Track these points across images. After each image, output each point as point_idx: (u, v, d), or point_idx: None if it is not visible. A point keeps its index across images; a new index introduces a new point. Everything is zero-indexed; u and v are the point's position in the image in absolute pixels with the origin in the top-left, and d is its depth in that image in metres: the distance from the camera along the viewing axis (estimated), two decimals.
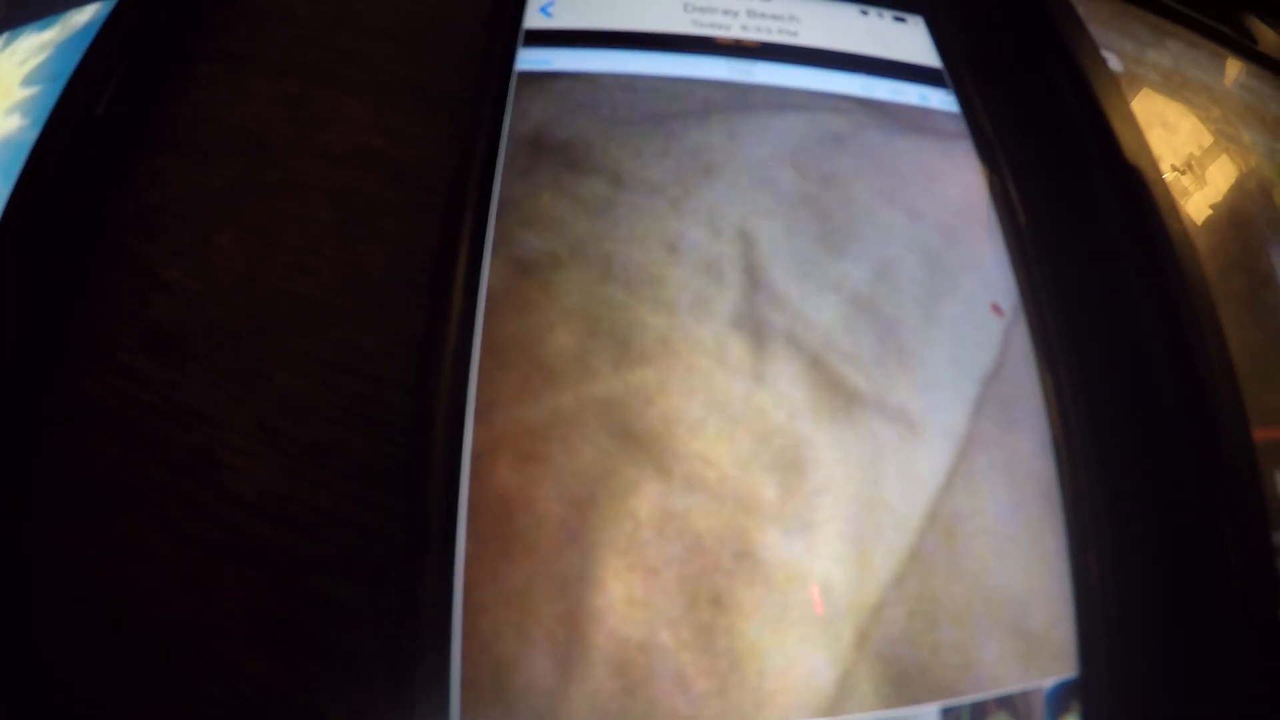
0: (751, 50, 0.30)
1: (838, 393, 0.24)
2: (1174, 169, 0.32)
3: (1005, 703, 0.23)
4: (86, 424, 0.28)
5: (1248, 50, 0.38)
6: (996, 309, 0.27)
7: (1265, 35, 0.39)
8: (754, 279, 0.26)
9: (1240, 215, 0.32)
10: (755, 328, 0.25)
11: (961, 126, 0.30)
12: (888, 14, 0.33)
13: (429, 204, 0.27)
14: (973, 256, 0.28)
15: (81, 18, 0.35)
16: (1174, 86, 0.34)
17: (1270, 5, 0.41)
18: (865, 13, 0.32)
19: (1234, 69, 0.37)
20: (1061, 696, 0.23)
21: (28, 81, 0.33)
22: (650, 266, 0.25)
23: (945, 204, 0.28)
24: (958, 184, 0.29)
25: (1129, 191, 0.28)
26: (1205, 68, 0.36)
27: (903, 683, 0.22)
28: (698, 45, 0.30)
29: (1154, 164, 0.28)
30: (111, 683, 0.25)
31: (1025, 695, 0.23)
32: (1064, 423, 0.26)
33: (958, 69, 0.31)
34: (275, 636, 0.24)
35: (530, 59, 0.28)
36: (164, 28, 0.33)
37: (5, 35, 0.35)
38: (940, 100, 0.30)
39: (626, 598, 0.22)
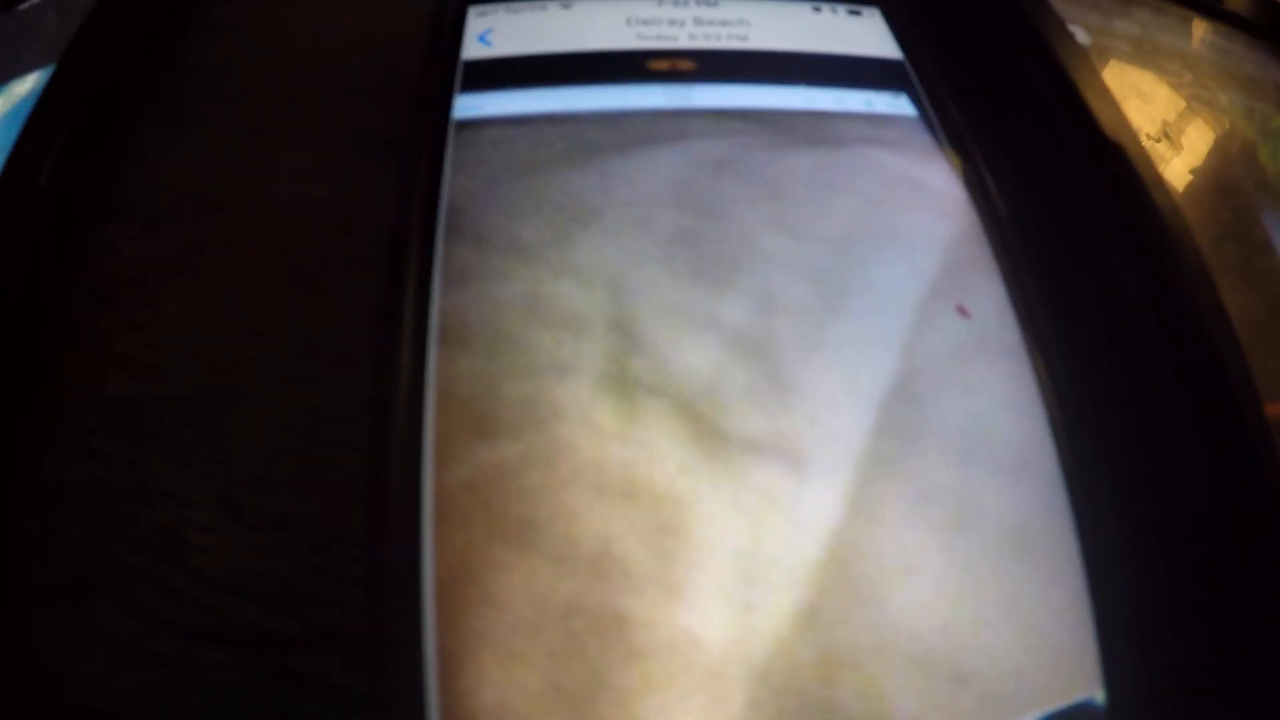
0: (688, 74, 0.28)
1: (715, 441, 0.22)
2: (1152, 139, 0.30)
3: None
4: (52, 508, 0.26)
5: (1215, 10, 0.36)
6: (962, 311, 0.25)
7: None
8: (623, 332, 0.23)
9: (1227, 181, 0.30)
10: (622, 385, 0.23)
11: (879, 130, 0.27)
12: (841, 8, 0.31)
13: (374, 254, 0.25)
14: (872, 270, 0.25)
15: (23, 87, 0.34)
16: (1145, 55, 0.32)
17: None
18: (818, 9, 0.31)
19: (1203, 31, 0.35)
20: None
21: None
22: (510, 330, 0.23)
23: (842, 219, 0.26)
24: (858, 196, 0.26)
25: (1111, 170, 0.26)
26: (1175, 33, 0.34)
27: None
28: (635, 72, 0.28)
29: (1135, 138, 0.26)
30: None
31: None
32: (1063, 416, 0.24)
33: (918, 57, 0.29)
34: (253, 719, 0.23)
35: (462, 106, 0.26)
36: (104, 92, 0.31)
37: None
38: (887, 104, 0.28)
39: (499, 687, 0.19)
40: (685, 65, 0.27)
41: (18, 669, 0.25)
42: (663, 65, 0.27)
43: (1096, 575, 0.22)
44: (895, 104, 0.28)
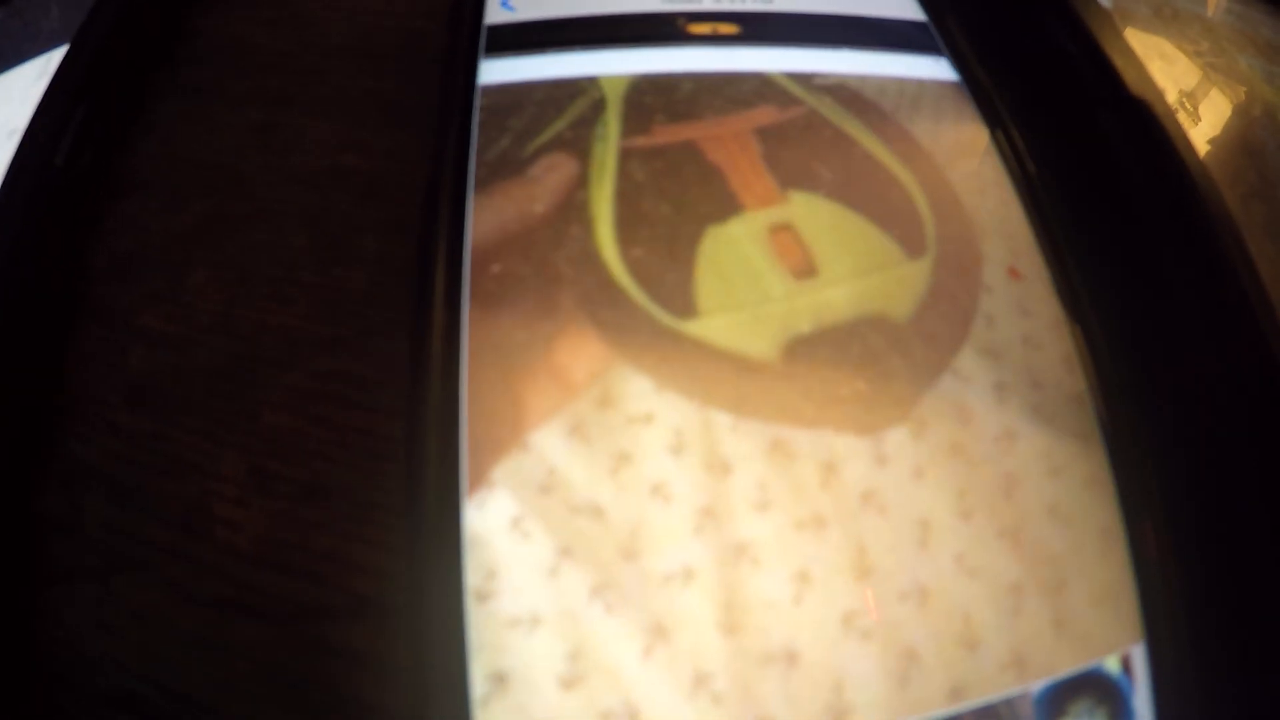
0: (729, 37, 0.27)
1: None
2: (1177, 103, 0.29)
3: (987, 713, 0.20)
4: (76, 487, 0.25)
5: None
6: (1014, 272, 0.24)
7: None
8: None
9: (1251, 143, 0.29)
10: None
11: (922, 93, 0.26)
12: None
13: (406, 218, 0.24)
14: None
15: (37, 67, 0.33)
16: (1165, 19, 0.32)
17: None
18: None
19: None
20: (1053, 699, 0.20)
21: None
22: None
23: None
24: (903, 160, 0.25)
25: (1139, 127, 0.25)
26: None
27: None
28: (673, 36, 0.27)
29: (1160, 96, 0.26)
30: None
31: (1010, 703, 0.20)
32: (1099, 378, 0.23)
33: (944, 20, 0.28)
34: (290, 692, 0.22)
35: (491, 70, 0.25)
36: (121, 68, 0.30)
37: None
38: (928, 68, 0.27)
39: None
40: (726, 29, 0.26)
41: (44, 651, 0.24)
42: (703, 29, 0.26)
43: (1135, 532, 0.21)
44: (936, 68, 0.27)
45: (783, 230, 0.23)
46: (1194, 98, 0.30)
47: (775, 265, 0.23)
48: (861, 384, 0.22)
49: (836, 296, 0.23)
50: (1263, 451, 0.23)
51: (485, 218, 0.23)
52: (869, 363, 0.22)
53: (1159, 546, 0.22)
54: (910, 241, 0.24)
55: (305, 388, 0.24)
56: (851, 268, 0.23)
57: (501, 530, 0.20)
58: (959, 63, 0.27)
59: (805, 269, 0.23)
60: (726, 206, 0.24)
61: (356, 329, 0.24)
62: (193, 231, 0.27)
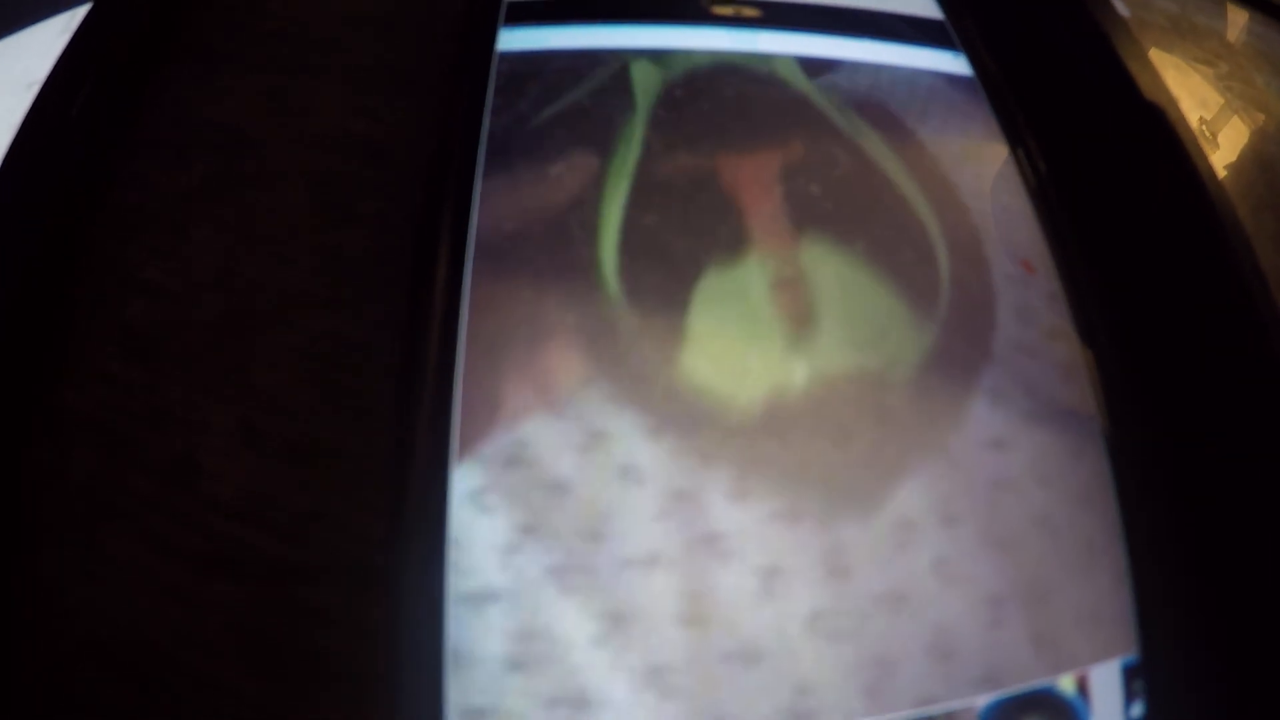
0: (752, 20, 0.27)
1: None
2: (1190, 115, 0.28)
3: None
4: (64, 434, 0.25)
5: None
6: (1027, 266, 0.23)
7: None
8: None
9: (1264, 157, 0.28)
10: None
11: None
12: None
13: (411, 184, 0.24)
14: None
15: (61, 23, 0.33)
16: (1182, 32, 0.31)
17: None
18: None
19: (1240, 16, 0.34)
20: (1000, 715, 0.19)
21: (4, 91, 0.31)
22: None
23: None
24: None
25: (1151, 131, 0.25)
26: (1211, 15, 0.33)
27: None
28: (696, 14, 0.26)
29: (1173, 101, 0.25)
30: (92, 705, 0.22)
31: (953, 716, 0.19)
32: (1105, 380, 0.22)
33: (961, 18, 0.28)
34: (262, 651, 0.21)
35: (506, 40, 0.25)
36: (137, 29, 0.30)
37: None
38: (949, 63, 0.26)
39: None
40: (750, 12, 0.26)
41: (25, 595, 0.23)
42: (726, 10, 0.26)
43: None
44: (957, 63, 0.27)
45: (790, 283, 0.23)
46: (1207, 110, 0.29)
47: (774, 317, 0.22)
48: (844, 450, 0.21)
49: (832, 357, 0.22)
50: (1270, 463, 0.22)
51: (494, 197, 0.22)
52: (857, 427, 0.21)
53: (1158, 562, 0.21)
54: (923, 303, 0.23)
55: (300, 347, 0.23)
56: (853, 334, 0.22)
57: (463, 501, 0.19)
58: (974, 58, 0.27)
59: (805, 324, 0.22)
60: (738, 246, 0.23)
61: (355, 291, 0.23)
62: (198, 190, 0.27)
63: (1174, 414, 0.22)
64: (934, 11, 0.28)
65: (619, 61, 0.24)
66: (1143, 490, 0.22)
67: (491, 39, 0.25)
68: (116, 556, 0.23)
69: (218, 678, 0.21)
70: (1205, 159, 0.25)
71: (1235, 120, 0.29)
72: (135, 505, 0.23)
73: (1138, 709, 0.19)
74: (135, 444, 0.24)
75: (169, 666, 0.22)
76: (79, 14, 0.32)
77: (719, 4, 0.26)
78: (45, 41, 0.30)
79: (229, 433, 0.23)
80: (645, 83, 0.24)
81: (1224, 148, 0.29)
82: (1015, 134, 0.26)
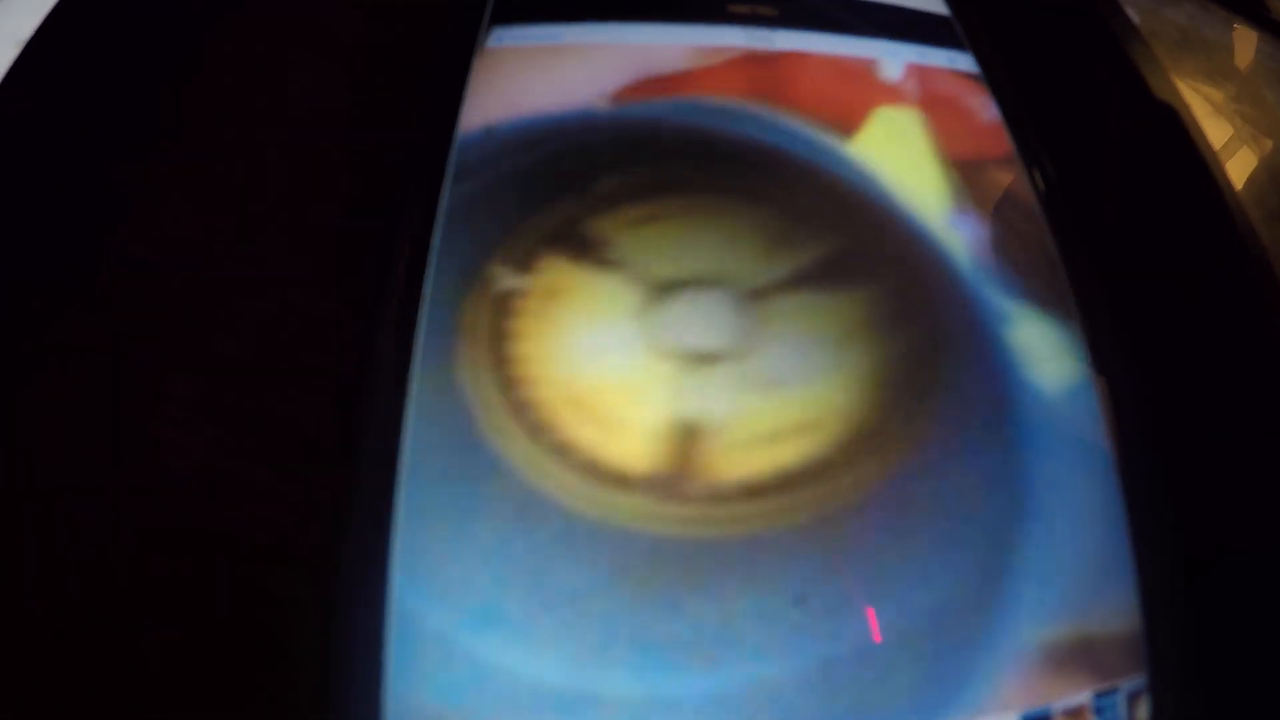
0: (769, 19, 0.26)
1: None
2: (1203, 126, 0.27)
3: None
4: (18, 399, 0.23)
5: (1260, 17, 0.34)
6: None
7: (1277, 3, 0.35)
8: None
9: (1275, 169, 0.27)
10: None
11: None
12: None
13: (389, 161, 0.22)
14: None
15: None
16: (1191, 45, 0.30)
17: None
18: None
19: (1248, 32, 0.33)
20: None
21: None
22: None
23: None
24: None
25: (1163, 136, 0.23)
26: (1220, 30, 0.32)
27: None
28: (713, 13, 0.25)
29: (1186, 107, 0.24)
30: (42, 679, 0.20)
31: None
32: (1115, 397, 0.21)
33: (970, 19, 0.26)
34: (210, 627, 0.19)
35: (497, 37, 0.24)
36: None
37: None
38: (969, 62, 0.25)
39: None
40: (766, 11, 0.25)
41: None
42: (742, 9, 0.25)
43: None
44: (962, 61, 0.25)
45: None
46: (1218, 121, 0.28)
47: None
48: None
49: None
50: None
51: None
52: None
53: (1168, 583, 0.20)
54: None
55: (267, 319, 0.22)
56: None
57: None
58: (981, 61, 0.25)
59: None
60: None
61: (327, 266, 0.22)
62: (180, 163, 0.25)
63: (1189, 430, 0.20)
64: (940, 8, 0.27)
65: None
66: (1153, 514, 0.20)
67: (477, 21, 0.23)
68: (69, 526, 0.22)
69: (157, 654, 0.20)
70: (1219, 163, 0.23)
71: (1246, 134, 0.28)
72: (91, 475, 0.22)
73: None
74: (90, 411, 0.22)
75: (120, 640, 0.20)
76: None
77: (737, 3, 0.25)
78: (35, 3, 0.29)
79: (188, 403, 0.21)
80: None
81: (1235, 159, 0.27)
82: (1024, 140, 0.25)
